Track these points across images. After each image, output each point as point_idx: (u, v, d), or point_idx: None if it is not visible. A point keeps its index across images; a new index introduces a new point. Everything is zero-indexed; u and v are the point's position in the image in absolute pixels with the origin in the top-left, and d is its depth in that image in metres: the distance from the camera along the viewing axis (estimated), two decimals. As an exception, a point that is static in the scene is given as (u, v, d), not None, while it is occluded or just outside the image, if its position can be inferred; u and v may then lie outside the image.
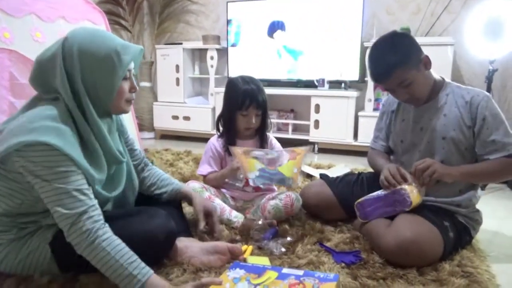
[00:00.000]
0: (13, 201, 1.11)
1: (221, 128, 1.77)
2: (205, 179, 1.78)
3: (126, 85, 1.18)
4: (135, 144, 1.45)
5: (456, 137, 1.40)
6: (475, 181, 1.46)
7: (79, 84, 1.09)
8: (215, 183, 1.75)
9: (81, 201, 1.04)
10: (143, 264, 1.05)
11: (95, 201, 1.08)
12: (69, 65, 1.08)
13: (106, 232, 1.05)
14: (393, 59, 1.34)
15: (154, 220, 1.21)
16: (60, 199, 1.03)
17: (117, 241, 1.05)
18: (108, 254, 1.02)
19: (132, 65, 1.19)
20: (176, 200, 1.51)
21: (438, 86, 1.47)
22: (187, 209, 1.66)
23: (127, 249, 1.05)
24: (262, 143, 1.75)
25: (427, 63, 1.41)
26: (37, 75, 1.13)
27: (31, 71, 1.14)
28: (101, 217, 1.07)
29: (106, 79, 1.12)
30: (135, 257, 1.05)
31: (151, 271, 1.05)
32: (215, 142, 1.78)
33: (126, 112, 1.24)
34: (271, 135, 1.81)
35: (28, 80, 1.15)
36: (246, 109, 1.64)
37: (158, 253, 1.24)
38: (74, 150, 1.06)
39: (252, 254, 1.38)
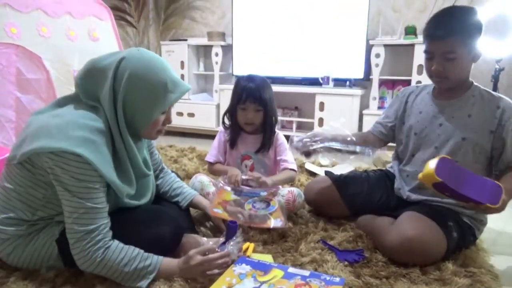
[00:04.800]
0: (37, 193, 1.13)
1: (226, 122, 1.81)
2: (211, 167, 1.83)
3: (162, 118, 1.19)
4: (155, 148, 1.48)
5: (476, 139, 1.39)
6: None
7: (120, 104, 1.11)
8: (218, 174, 1.81)
9: (93, 219, 1.07)
10: (147, 262, 1.10)
11: (107, 220, 1.11)
12: (117, 84, 1.10)
13: (107, 250, 1.08)
14: (457, 26, 1.32)
15: (162, 218, 1.23)
16: (75, 212, 1.06)
17: (116, 252, 1.08)
18: (110, 268, 1.08)
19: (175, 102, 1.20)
20: None
21: (467, 85, 1.45)
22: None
23: (128, 254, 1.09)
24: (265, 140, 1.76)
25: (477, 55, 1.39)
26: (86, 79, 1.14)
27: (81, 70, 1.15)
28: (109, 234, 1.10)
29: (146, 109, 1.13)
30: (139, 256, 1.10)
31: (158, 263, 1.12)
32: (221, 133, 1.83)
33: (153, 139, 1.29)
34: (280, 132, 1.83)
35: (75, 79, 1.17)
36: (243, 102, 1.66)
37: (165, 249, 1.25)
38: (105, 165, 1.08)
39: (254, 251, 1.38)
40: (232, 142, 1.78)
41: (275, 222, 1.48)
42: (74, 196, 1.05)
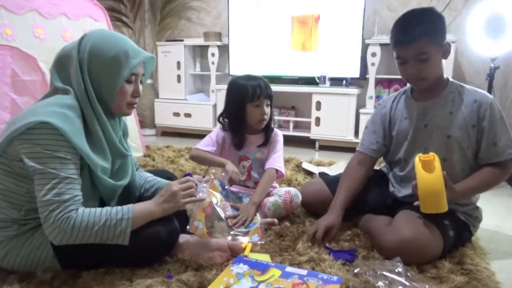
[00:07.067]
0: (20, 188, 1.12)
1: (224, 124, 1.78)
2: (197, 152, 1.74)
3: (129, 88, 1.20)
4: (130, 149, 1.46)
5: (460, 136, 1.40)
6: (473, 195, 1.46)
7: (87, 78, 1.14)
8: (202, 160, 1.76)
9: (67, 189, 1.06)
10: (119, 208, 1.12)
11: (81, 194, 1.10)
12: (81, 59, 1.13)
13: (77, 212, 1.07)
14: (423, 28, 1.34)
15: (157, 219, 1.22)
16: (49, 183, 1.04)
17: (86, 211, 1.08)
18: (87, 226, 1.07)
19: (140, 71, 1.22)
20: None
21: (443, 83, 1.46)
22: (188, 206, 1.67)
23: (99, 209, 1.10)
24: (267, 138, 1.77)
25: (447, 50, 1.40)
26: (56, 65, 1.18)
27: (54, 59, 1.19)
28: (79, 204, 1.09)
29: (110, 78, 1.15)
30: (109, 209, 1.11)
31: (131, 206, 1.13)
32: (219, 132, 1.78)
33: (126, 114, 1.27)
34: (278, 130, 1.83)
35: (50, 69, 1.20)
36: (258, 98, 1.66)
37: (160, 250, 1.25)
38: (77, 135, 1.09)
39: (252, 251, 1.38)
40: (239, 143, 1.74)
41: (253, 237, 1.47)
42: (48, 168, 1.04)
